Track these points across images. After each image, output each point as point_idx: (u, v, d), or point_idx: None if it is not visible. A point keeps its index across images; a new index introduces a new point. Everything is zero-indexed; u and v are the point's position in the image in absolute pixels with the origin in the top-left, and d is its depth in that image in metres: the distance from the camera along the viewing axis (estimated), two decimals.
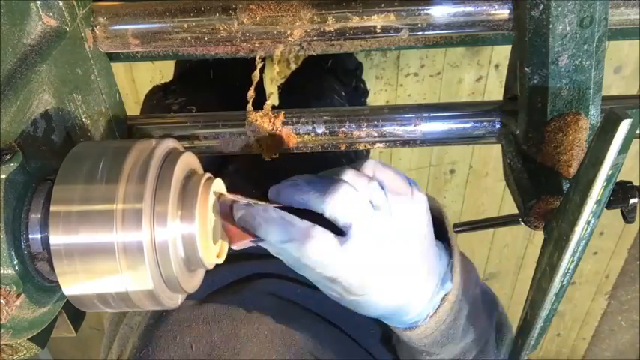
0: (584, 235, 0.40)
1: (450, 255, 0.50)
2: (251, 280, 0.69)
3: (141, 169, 0.37)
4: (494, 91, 1.85)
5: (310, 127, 0.56)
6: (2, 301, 0.35)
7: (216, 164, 0.89)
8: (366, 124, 0.57)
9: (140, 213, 0.36)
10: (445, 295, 0.49)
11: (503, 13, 0.52)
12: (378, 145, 0.58)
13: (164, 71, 1.71)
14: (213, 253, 0.43)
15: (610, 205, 0.57)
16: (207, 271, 0.45)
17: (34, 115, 0.41)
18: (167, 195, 0.38)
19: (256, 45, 0.54)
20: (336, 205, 0.40)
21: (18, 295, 0.36)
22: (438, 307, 0.48)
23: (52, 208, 0.36)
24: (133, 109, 1.36)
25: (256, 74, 0.55)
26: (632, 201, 0.57)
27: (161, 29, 0.52)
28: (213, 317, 0.63)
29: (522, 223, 0.54)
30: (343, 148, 0.58)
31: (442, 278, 0.49)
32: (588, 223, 0.39)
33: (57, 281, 0.37)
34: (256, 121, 0.55)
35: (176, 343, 0.61)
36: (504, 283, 2.43)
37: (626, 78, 1.84)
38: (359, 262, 0.42)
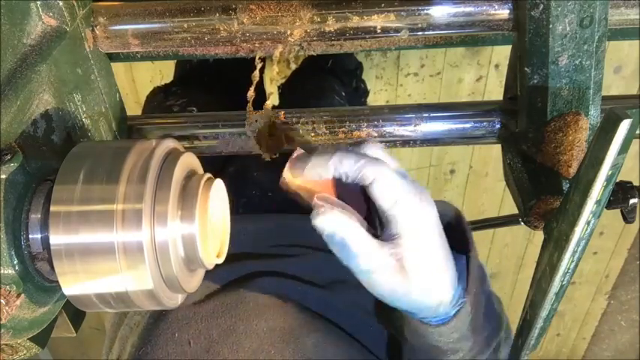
0: (584, 235, 0.40)
1: (469, 249, 0.50)
2: (250, 278, 0.69)
3: (141, 169, 0.37)
4: (494, 91, 1.85)
5: (310, 127, 0.56)
6: (2, 301, 0.35)
7: (216, 165, 0.89)
8: (366, 124, 0.57)
9: (140, 213, 0.36)
10: (465, 287, 0.48)
11: (503, 13, 0.52)
12: None
13: (164, 71, 1.71)
14: (213, 253, 0.43)
15: (610, 205, 0.57)
16: (207, 271, 0.45)
17: (34, 115, 0.41)
18: (167, 195, 0.38)
19: (256, 45, 0.54)
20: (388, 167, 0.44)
21: (18, 295, 0.36)
22: (464, 299, 0.48)
23: (52, 208, 0.36)
24: (133, 109, 1.36)
25: (256, 74, 0.55)
26: (632, 201, 0.57)
27: (161, 29, 0.52)
28: (212, 314, 0.63)
29: (522, 223, 0.54)
30: None
31: (459, 275, 0.48)
32: (588, 223, 0.39)
33: (57, 281, 0.37)
34: (256, 121, 0.55)
35: (174, 341, 0.61)
36: (504, 283, 2.43)
37: (626, 78, 1.84)
38: (413, 195, 0.45)
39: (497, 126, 0.57)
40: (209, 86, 1.06)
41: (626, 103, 0.60)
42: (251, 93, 0.56)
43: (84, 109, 0.49)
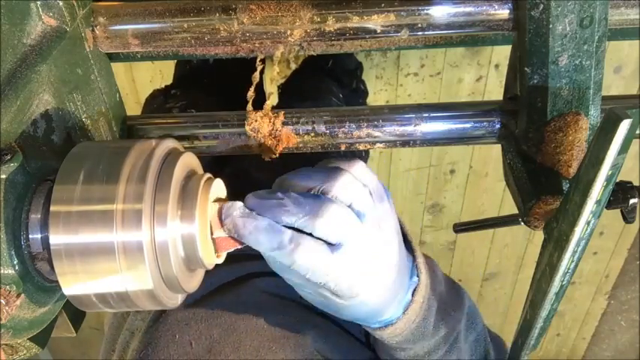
0: (584, 235, 0.40)
1: (414, 256, 0.51)
2: (249, 279, 0.69)
3: (141, 169, 0.37)
4: (494, 91, 1.85)
5: (310, 127, 0.56)
6: (2, 301, 0.35)
7: (215, 166, 0.89)
8: (366, 124, 0.57)
9: (140, 213, 0.36)
10: (413, 295, 0.49)
11: (503, 13, 0.52)
12: (378, 145, 0.58)
13: (164, 71, 1.71)
14: (213, 253, 0.43)
15: (610, 205, 0.57)
16: (207, 272, 0.45)
17: (34, 115, 0.41)
18: (167, 195, 0.38)
19: (256, 45, 0.54)
20: (325, 227, 0.40)
21: (18, 295, 0.36)
22: (407, 307, 0.49)
23: (52, 208, 0.36)
24: (133, 109, 1.36)
25: (256, 76, 0.55)
26: (632, 201, 0.57)
27: (161, 29, 0.52)
28: (212, 315, 0.63)
29: (522, 223, 0.54)
30: (343, 148, 0.58)
31: (410, 276, 0.50)
32: (588, 223, 0.39)
33: (57, 281, 0.37)
34: (256, 121, 0.55)
35: (175, 342, 0.61)
36: (504, 283, 2.43)
37: (626, 78, 1.84)
38: (348, 268, 0.42)
39: (497, 126, 0.57)
40: (209, 88, 1.06)
41: (626, 103, 0.60)
42: (251, 93, 0.56)
43: (84, 109, 0.49)
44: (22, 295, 0.36)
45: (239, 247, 0.43)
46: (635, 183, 0.59)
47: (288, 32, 0.52)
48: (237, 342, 0.60)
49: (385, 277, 0.45)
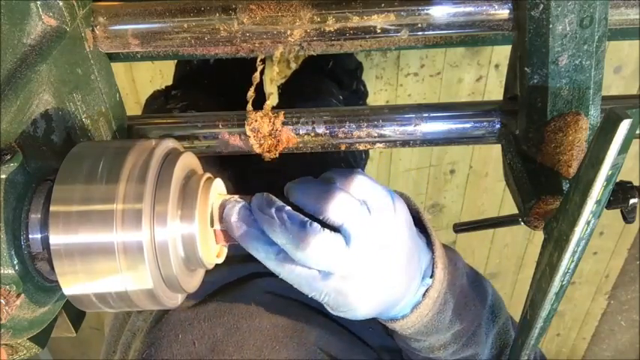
0: (584, 235, 0.40)
1: (432, 250, 0.51)
2: (250, 279, 0.69)
3: (141, 169, 0.37)
4: (494, 91, 1.85)
5: (310, 127, 0.56)
6: (2, 301, 0.35)
7: (215, 166, 0.89)
8: (366, 124, 0.57)
9: (140, 213, 0.36)
10: (426, 291, 0.49)
11: (503, 13, 0.52)
12: (378, 145, 0.58)
13: (164, 71, 1.71)
14: (213, 253, 0.43)
15: (610, 205, 0.57)
16: (207, 272, 0.45)
17: (34, 115, 0.41)
18: (167, 195, 0.38)
19: (256, 45, 0.54)
20: (306, 259, 0.41)
21: (18, 295, 0.36)
22: (419, 303, 0.49)
23: (52, 208, 0.36)
24: (133, 109, 1.36)
25: (257, 76, 0.55)
26: (632, 201, 0.57)
27: (161, 29, 0.52)
28: (215, 314, 0.63)
29: (522, 223, 0.54)
30: (343, 148, 0.58)
31: (424, 272, 0.50)
32: (588, 223, 0.39)
33: (57, 281, 0.37)
34: (256, 121, 0.55)
35: (178, 342, 0.61)
36: (504, 283, 2.43)
37: (626, 78, 1.84)
38: (339, 290, 0.43)
39: (497, 126, 0.57)
40: (209, 89, 1.06)
41: (626, 103, 0.60)
42: (251, 93, 0.56)
43: (84, 109, 0.49)
44: (22, 295, 0.36)
45: (236, 243, 0.43)
46: (635, 183, 0.59)
47: (288, 32, 0.52)
48: (240, 341, 0.60)
49: (383, 288, 0.45)
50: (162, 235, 0.37)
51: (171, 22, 0.52)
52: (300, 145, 0.57)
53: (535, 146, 0.53)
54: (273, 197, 0.43)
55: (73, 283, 0.37)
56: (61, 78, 0.45)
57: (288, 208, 0.42)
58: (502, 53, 1.78)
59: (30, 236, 0.37)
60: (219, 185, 0.44)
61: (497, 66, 1.81)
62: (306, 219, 0.41)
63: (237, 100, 0.60)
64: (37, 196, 0.38)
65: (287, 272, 0.42)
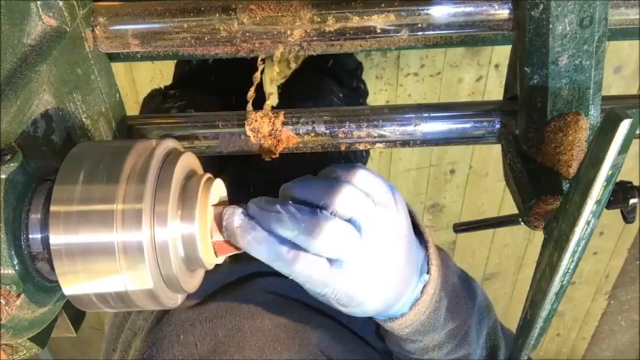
0: (584, 235, 0.40)
1: (426, 248, 0.51)
2: (251, 279, 0.69)
3: (141, 169, 0.37)
4: (494, 91, 1.85)
5: (310, 127, 0.56)
6: (2, 301, 0.35)
7: (215, 166, 0.89)
8: (366, 124, 0.57)
9: (140, 213, 0.36)
10: (423, 288, 0.49)
11: (503, 13, 0.52)
12: (378, 145, 0.58)
13: (164, 71, 1.72)
14: (213, 254, 0.43)
15: (610, 205, 0.57)
16: (208, 272, 0.45)
17: (34, 115, 0.41)
18: (167, 195, 0.38)
19: (256, 45, 0.54)
20: (320, 246, 0.40)
21: (18, 295, 0.36)
22: (418, 300, 0.49)
23: (52, 208, 0.36)
24: (133, 109, 1.36)
25: (257, 76, 0.55)
26: (632, 201, 0.57)
27: (161, 29, 0.52)
28: (216, 315, 0.63)
29: (522, 223, 0.54)
30: (343, 148, 0.58)
31: (420, 268, 0.50)
32: (588, 223, 0.39)
33: (57, 281, 0.37)
34: (256, 121, 0.55)
35: (180, 343, 0.61)
36: (504, 283, 2.43)
37: (626, 78, 1.84)
38: (348, 282, 0.42)
39: (497, 126, 0.57)
40: (209, 88, 1.06)
41: (626, 103, 0.60)
42: (251, 93, 0.56)
43: (84, 109, 0.49)
44: (22, 295, 0.36)
45: (238, 252, 0.43)
46: (635, 183, 0.59)
47: (288, 32, 0.52)
48: (241, 342, 0.60)
49: (389, 283, 0.45)
50: (162, 235, 0.37)
51: (171, 22, 0.52)
52: (300, 145, 0.57)
53: (535, 146, 0.53)
54: (271, 198, 0.43)
55: (73, 283, 0.37)
56: (61, 78, 0.45)
57: (291, 202, 0.41)
58: (502, 53, 1.78)
59: (30, 236, 0.37)
60: (219, 185, 0.44)
61: (497, 66, 1.81)
62: (316, 208, 0.41)
63: (237, 99, 0.60)
64: (37, 196, 0.38)
65: (298, 270, 0.40)
